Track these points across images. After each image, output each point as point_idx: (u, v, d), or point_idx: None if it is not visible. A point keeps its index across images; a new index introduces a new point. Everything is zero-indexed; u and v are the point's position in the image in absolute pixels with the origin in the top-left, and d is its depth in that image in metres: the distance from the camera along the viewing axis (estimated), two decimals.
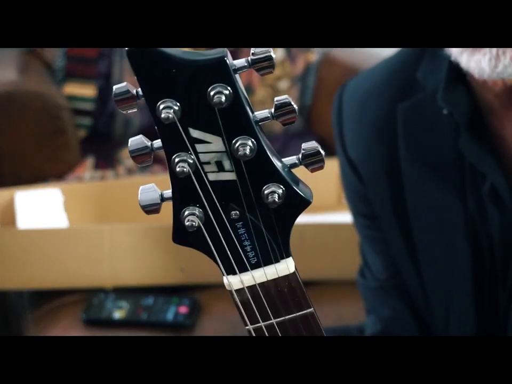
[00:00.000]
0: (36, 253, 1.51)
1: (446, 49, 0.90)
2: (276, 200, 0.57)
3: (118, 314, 1.49)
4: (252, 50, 0.55)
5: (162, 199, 0.59)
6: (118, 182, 1.83)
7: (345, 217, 1.66)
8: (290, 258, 0.61)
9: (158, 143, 0.57)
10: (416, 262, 1.01)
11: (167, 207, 0.60)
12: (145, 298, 1.52)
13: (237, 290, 0.61)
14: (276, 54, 2.14)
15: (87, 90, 2.10)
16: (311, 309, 0.62)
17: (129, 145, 0.57)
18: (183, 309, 1.50)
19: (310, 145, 0.58)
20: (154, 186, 0.59)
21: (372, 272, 1.08)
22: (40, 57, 2.13)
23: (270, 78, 2.13)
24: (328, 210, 1.72)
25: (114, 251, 1.53)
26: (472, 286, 0.98)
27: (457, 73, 0.92)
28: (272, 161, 0.57)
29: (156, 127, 0.56)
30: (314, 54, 2.19)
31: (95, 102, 2.10)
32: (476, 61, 0.84)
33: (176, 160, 0.56)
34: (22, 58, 2.10)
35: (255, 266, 0.60)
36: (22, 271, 1.53)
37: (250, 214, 0.59)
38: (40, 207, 1.64)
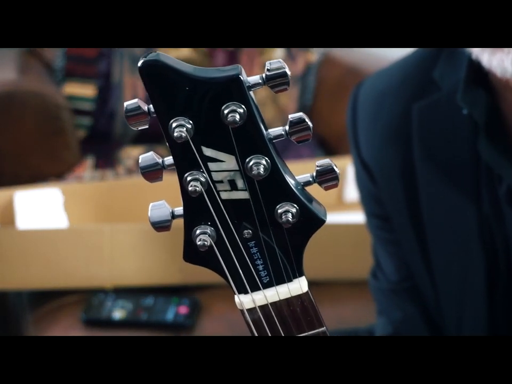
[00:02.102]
0: (35, 253, 1.51)
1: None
2: (290, 219, 0.56)
3: (118, 315, 1.49)
4: (267, 65, 0.54)
5: (173, 216, 0.58)
6: (117, 182, 1.83)
7: (345, 217, 1.67)
8: (303, 277, 0.60)
9: (169, 160, 0.56)
10: (429, 264, 1.00)
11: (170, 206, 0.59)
12: (145, 298, 1.52)
13: (248, 310, 0.60)
14: (276, 54, 2.13)
15: (86, 90, 2.10)
16: (324, 328, 0.61)
17: (139, 161, 0.56)
18: (183, 309, 1.50)
19: (324, 162, 0.57)
20: (165, 203, 0.58)
21: (384, 273, 1.07)
22: (40, 57, 2.13)
23: None
24: (328, 210, 1.72)
25: (114, 251, 1.52)
26: (486, 289, 0.96)
27: (477, 72, 0.90)
28: (286, 180, 0.56)
29: (167, 144, 0.55)
30: (314, 54, 2.19)
31: (95, 102, 2.10)
32: (498, 60, 0.82)
33: (189, 178, 0.55)
34: (22, 58, 2.10)
35: (267, 285, 0.59)
36: (22, 271, 1.53)
37: (263, 233, 0.58)
38: (40, 207, 1.64)
